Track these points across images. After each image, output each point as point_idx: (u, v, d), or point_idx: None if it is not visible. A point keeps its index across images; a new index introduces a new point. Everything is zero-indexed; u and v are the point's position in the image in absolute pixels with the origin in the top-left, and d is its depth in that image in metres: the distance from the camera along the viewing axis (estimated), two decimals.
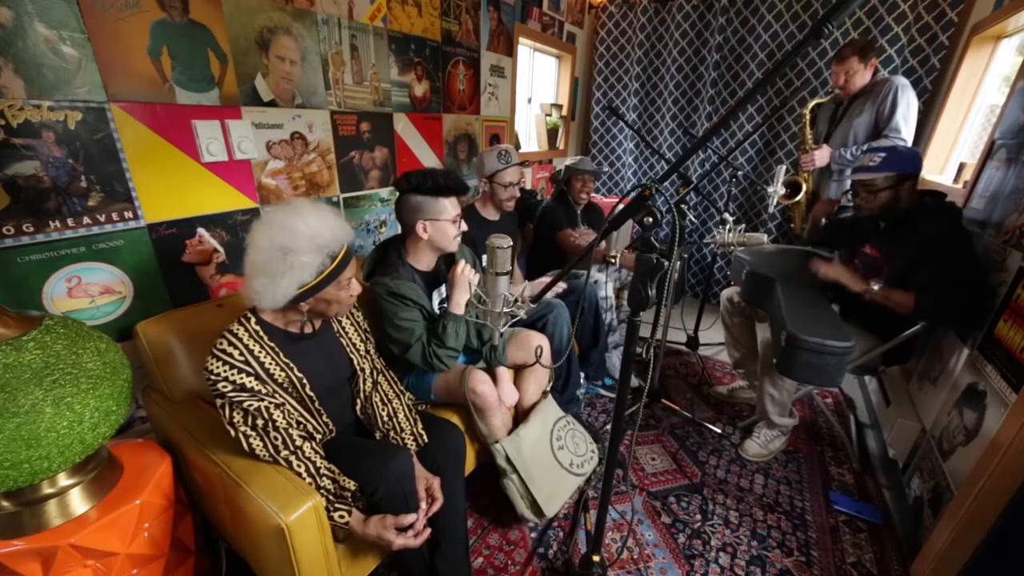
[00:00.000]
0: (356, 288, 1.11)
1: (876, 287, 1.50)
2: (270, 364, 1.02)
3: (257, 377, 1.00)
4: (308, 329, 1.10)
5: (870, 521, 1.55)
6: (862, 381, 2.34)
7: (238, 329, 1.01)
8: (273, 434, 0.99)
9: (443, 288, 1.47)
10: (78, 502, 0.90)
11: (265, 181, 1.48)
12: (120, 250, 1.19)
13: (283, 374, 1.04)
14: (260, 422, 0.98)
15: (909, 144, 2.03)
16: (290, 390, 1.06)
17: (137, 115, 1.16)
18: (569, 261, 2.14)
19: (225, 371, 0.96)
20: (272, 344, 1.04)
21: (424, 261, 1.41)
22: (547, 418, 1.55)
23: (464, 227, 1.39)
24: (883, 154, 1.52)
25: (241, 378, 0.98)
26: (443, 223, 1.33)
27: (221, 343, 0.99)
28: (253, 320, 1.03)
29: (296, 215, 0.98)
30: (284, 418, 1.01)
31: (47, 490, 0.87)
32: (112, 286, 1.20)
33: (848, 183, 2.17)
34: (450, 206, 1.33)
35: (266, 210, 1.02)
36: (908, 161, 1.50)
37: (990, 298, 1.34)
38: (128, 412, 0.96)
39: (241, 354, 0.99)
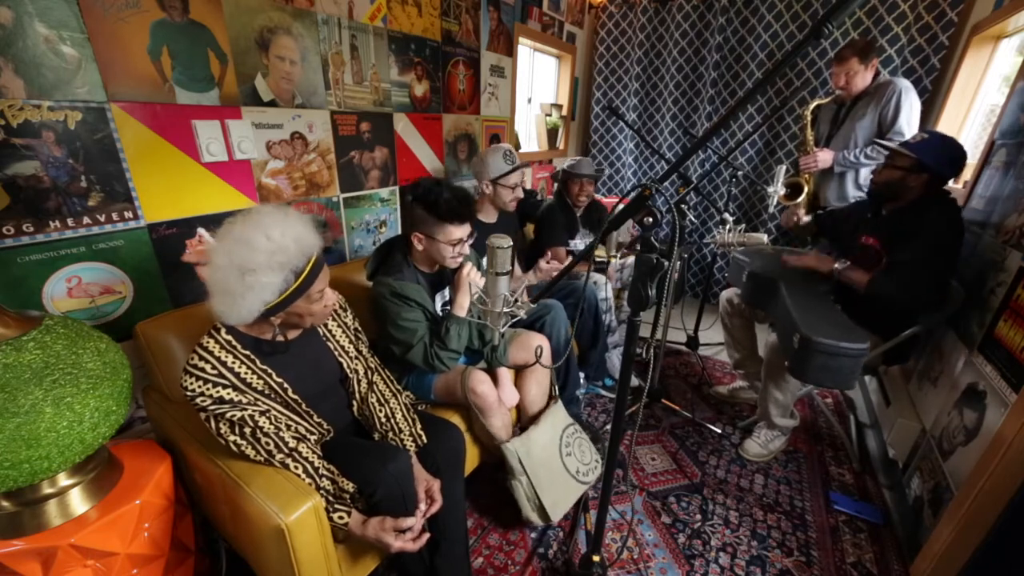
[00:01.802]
0: (331, 298, 1.06)
1: (838, 266, 1.57)
2: (246, 373, 0.99)
3: (234, 388, 0.97)
4: (281, 339, 1.05)
5: (870, 521, 1.55)
6: (862, 381, 2.32)
7: (208, 342, 0.98)
8: (264, 440, 0.98)
9: (447, 291, 1.47)
10: (78, 502, 0.90)
11: (265, 181, 1.48)
12: (120, 250, 1.19)
13: (261, 382, 1.01)
14: (247, 430, 0.97)
15: None
16: (272, 396, 1.03)
17: (137, 115, 1.16)
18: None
19: (200, 386, 0.94)
20: (246, 352, 1.00)
21: (427, 264, 1.41)
22: (556, 423, 1.55)
23: (467, 250, 1.36)
24: (927, 135, 1.48)
25: (218, 391, 0.95)
26: (438, 243, 1.30)
27: (192, 358, 0.95)
28: (223, 331, 0.99)
29: (256, 227, 0.90)
30: (271, 423, 1.00)
31: (47, 490, 0.87)
32: (112, 286, 1.20)
33: (849, 185, 2.18)
34: (453, 230, 1.29)
35: (227, 220, 0.95)
36: (938, 159, 1.44)
37: (946, 295, 1.43)
38: (128, 412, 0.96)
39: (214, 367, 0.96)
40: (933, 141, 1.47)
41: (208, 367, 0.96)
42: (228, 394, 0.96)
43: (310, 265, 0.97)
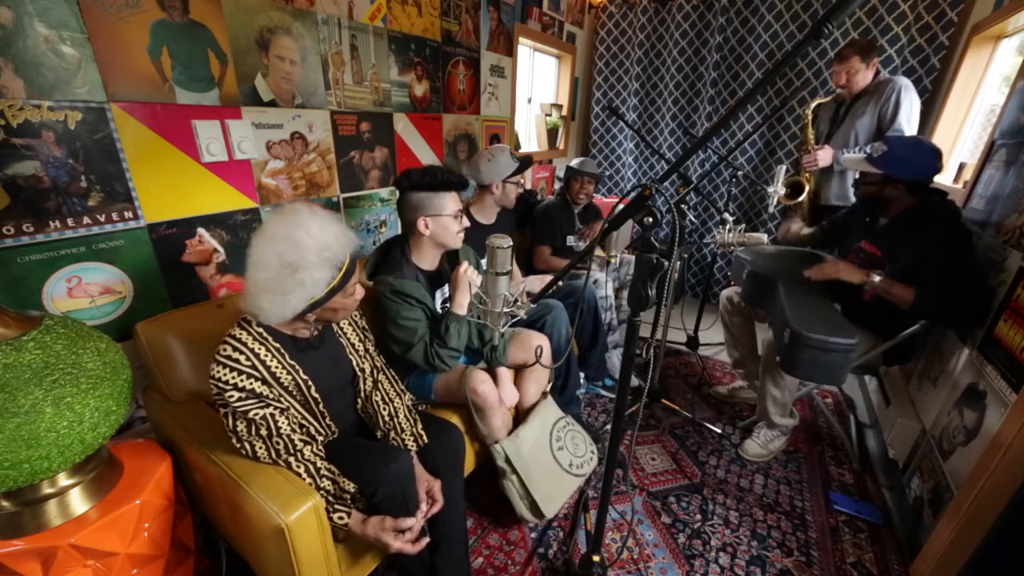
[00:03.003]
0: (360, 293, 1.09)
1: (877, 278, 1.48)
2: (276, 367, 1.01)
3: (264, 381, 0.98)
4: (315, 334, 1.08)
5: (870, 521, 1.55)
6: (862, 381, 2.34)
7: (240, 333, 0.99)
8: (275, 439, 0.98)
9: (446, 288, 1.47)
10: (78, 502, 0.90)
11: (265, 181, 1.48)
12: (120, 250, 1.19)
13: (289, 377, 1.03)
14: (264, 432, 0.97)
15: None
16: (295, 393, 1.05)
17: (137, 115, 1.16)
18: (545, 271, 2.18)
19: (233, 377, 0.94)
20: (277, 345, 1.02)
21: (428, 260, 1.41)
22: (547, 418, 1.55)
23: (467, 223, 1.40)
24: (886, 148, 1.47)
25: (250, 383, 0.96)
26: (444, 219, 1.34)
27: (225, 349, 0.96)
28: (255, 323, 1.01)
29: (297, 226, 0.93)
30: (288, 423, 1.00)
31: (47, 490, 0.87)
32: (112, 286, 1.20)
33: (849, 183, 2.18)
34: (451, 202, 1.34)
35: (264, 222, 0.97)
36: (905, 167, 1.45)
37: (987, 298, 1.34)
38: (128, 412, 0.96)
39: (248, 359, 0.97)
40: (895, 151, 1.45)
41: (242, 358, 0.96)
42: (258, 387, 0.97)
43: (348, 260, 1.00)
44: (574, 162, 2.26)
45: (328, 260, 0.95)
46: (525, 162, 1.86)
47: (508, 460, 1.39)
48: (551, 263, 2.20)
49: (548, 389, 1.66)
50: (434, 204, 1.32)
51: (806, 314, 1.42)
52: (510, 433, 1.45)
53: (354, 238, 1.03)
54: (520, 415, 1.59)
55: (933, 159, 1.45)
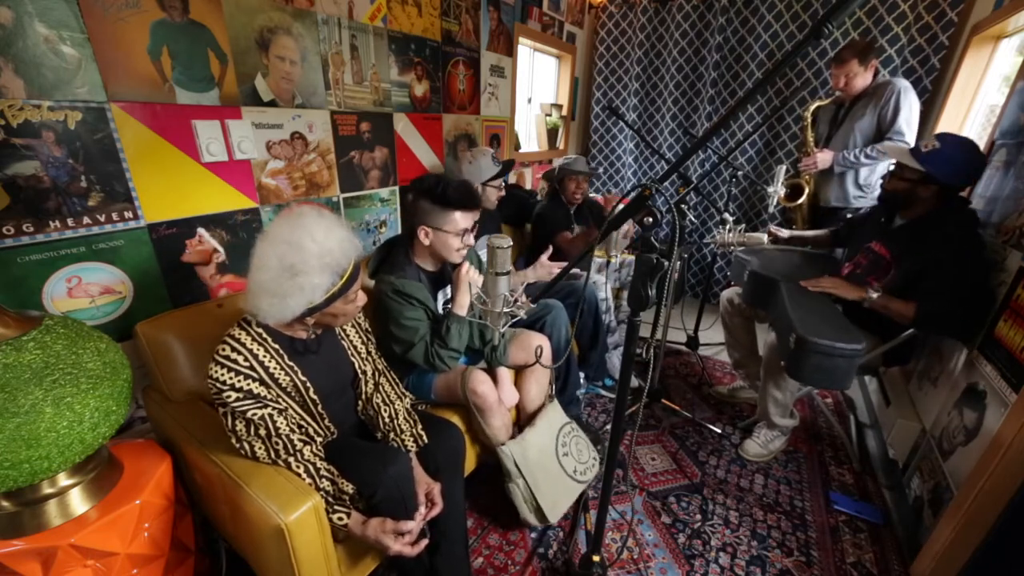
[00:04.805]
0: (362, 299, 1.08)
1: (875, 295, 1.46)
2: (274, 368, 1.01)
3: (262, 382, 0.98)
4: (313, 337, 1.08)
5: (870, 521, 1.55)
6: (862, 381, 2.33)
7: (240, 334, 0.99)
8: (274, 439, 0.98)
9: (448, 289, 1.47)
10: (78, 502, 0.90)
11: (265, 181, 1.48)
12: (120, 250, 1.19)
13: (287, 378, 1.03)
14: (263, 431, 0.97)
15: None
16: (294, 394, 1.05)
17: (137, 115, 1.16)
18: (568, 260, 2.16)
19: (230, 378, 0.94)
20: (276, 346, 1.02)
21: (430, 262, 1.41)
22: (553, 424, 1.55)
23: (471, 241, 1.37)
24: (938, 145, 1.39)
25: (248, 384, 0.96)
26: (445, 234, 1.32)
27: (224, 349, 0.96)
28: (255, 323, 1.01)
29: (302, 229, 0.93)
30: (287, 424, 1.00)
31: (47, 490, 0.87)
32: (112, 286, 1.20)
33: (849, 185, 2.18)
34: (460, 219, 1.32)
35: (270, 223, 0.97)
36: (949, 172, 1.39)
37: (990, 310, 1.33)
38: (128, 412, 0.96)
39: (246, 359, 0.97)
40: (945, 151, 1.39)
41: (240, 359, 0.96)
42: (256, 388, 0.97)
43: (351, 267, 0.99)
44: (564, 161, 2.25)
45: (329, 266, 0.95)
46: (506, 166, 1.89)
47: (516, 464, 1.39)
48: (575, 242, 2.15)
49: (552, 393, 1.65)
50: (439, 217, 1.31)
51: (811, 318, 1.41)
52: (514, 435, 1.45)
53: (359, 245, 1.01)
54: (521, 416, 1.59)
55: (979, 166, 1.41)
